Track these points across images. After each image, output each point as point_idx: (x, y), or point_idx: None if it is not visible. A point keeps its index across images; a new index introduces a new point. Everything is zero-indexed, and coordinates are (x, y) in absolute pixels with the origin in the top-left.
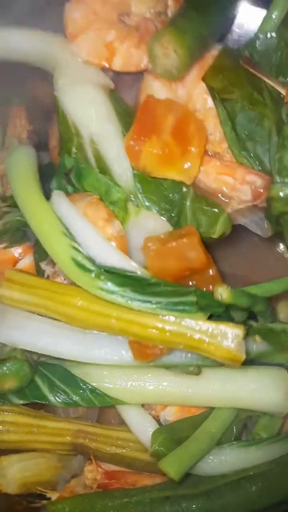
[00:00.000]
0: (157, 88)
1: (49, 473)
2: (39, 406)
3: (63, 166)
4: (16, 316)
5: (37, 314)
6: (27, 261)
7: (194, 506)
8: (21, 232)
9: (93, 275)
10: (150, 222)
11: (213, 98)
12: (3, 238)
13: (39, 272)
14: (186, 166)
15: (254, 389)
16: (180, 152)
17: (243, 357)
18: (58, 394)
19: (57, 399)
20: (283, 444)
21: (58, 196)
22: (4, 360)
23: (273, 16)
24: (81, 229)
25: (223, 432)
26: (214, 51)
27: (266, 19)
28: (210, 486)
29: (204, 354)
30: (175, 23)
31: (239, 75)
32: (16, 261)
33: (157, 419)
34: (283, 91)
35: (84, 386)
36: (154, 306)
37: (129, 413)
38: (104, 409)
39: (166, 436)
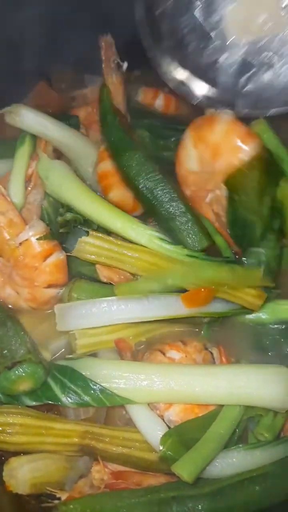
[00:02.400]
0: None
1: (58, 474)
2: (47, 408)
3: None
4: (80, 306)
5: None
6: (55, 258)
7: (200, 506)
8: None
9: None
10: None
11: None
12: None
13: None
14: None
15: (258, 386)
16: None
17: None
18: (70, 394)
19: (69, 399)
20: (286, 446)
21: None
22: (19, 362)
23: None
24: None
25: (231, 434)
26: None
27: None
28: (216, 486)
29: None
30: None
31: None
32: (46, 256)
33: (161, 418)
34: None
35: (94, 387)
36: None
37: (137, 414)
38: (110, 411)
39: (174, 439)
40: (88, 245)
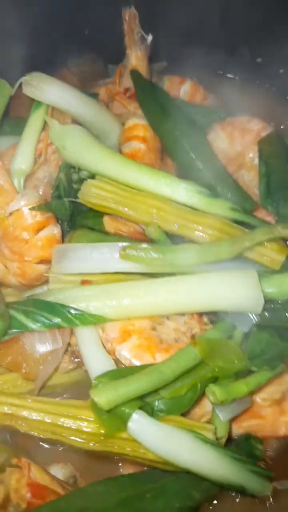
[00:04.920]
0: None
1: None
2: None
3: None
4: (79, 251)
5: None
6: (49, 231)
7: None
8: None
9: None
10: None
11: (260, 158)
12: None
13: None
14: None
15: (229, 288)
16: None
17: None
18: (37, 318)
19: (37, 324)
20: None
21: None
22: None
23: None
24: None
25: (176, 374)
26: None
27: None
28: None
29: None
30: None
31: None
32: (39, 228)
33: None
34: None
35: (63, 310)
36: None
37: (88, 353)
38: None
39: (106, 382)
40: (95, 188)
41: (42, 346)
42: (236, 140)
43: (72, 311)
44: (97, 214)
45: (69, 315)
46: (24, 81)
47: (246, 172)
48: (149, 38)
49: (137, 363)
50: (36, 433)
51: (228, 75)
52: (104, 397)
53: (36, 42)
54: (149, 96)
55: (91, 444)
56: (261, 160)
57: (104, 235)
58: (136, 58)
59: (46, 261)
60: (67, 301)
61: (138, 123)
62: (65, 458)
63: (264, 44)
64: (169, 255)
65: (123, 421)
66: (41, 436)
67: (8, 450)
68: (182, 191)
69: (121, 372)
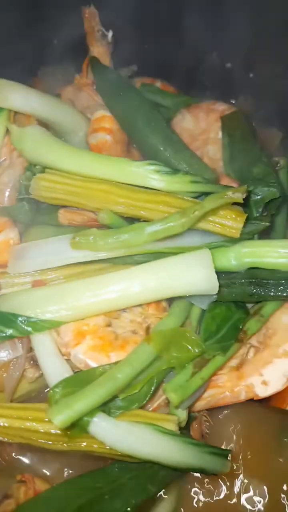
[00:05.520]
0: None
1: None
2: None
3: None
4: (33, 248)
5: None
6: (4, 236)
7: None
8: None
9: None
10: None
11: (223, 131)
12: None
13: None
14: None
15: (183, 273)
16: None
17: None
18: None
19: None
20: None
21: None
22: None
23: None
24: None
25: (131, 378)
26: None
27: None
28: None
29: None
30: None
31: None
32: None
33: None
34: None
35: (14, 319)
36: None
37: (43, 360)
38: None
39: (62, 392)
40: (44, 181)
41: (2, 354)
42: (201, 120)
43: (24, 319)
44: (53, 209)
45: (21, 324)
46: None
47: (211, 146)
48: (110, 34)
49: (93, 365)
50: (6, 439)
51: None
52: (59, 418)
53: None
54: (106, 80)
55: (59, 445)
56: (224, 133)
57: (60, 229)
58: (98, 54)
59: (2, 266)
60: (20, 307)
61: (105, 115)
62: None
63: None
64: (119, 236)
65: (83, 428)
66: (11, 441)
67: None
68: (139, 172)
69: (77, 378)
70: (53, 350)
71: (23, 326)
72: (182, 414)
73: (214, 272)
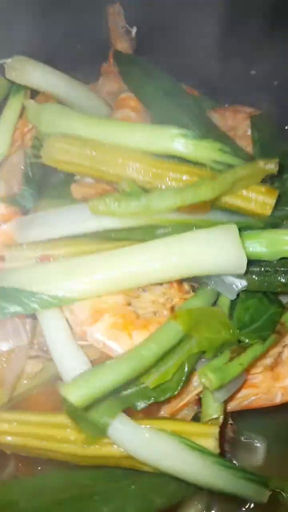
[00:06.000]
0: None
1: None
2: None
3: None
4: (46, 216)
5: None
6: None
7: None
8: None
9: None
10: None
11: (252, 128)
12: None
13: None
14: None
15: (207, 248)
16: None
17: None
18: None
19: None
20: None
21: None
22: None
23: None
24: None
25: (157, 357)
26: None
27: None
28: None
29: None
30: None
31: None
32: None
33: (84, 337)
34: None
35: (18, 294)
36: None
37: (56, 346)
38: None
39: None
40: (59, 143)
41: (5, 344)
42: (229, 118)
43: (30, 295)
44: (64, 183)
45: (26, 300)
46: (7, 65)
47: (239, 141)
48: (134, 30)
49: (112, 345)
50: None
51: None
52: (76, 393)
53: None
54: (130, 66)
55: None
56: (254, 129)
57: (72, 201)
58: (121, 49)
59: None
60: (26, 282)
61: (131, 96)
62: None
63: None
64: (143, 200)
65: (102, 429)
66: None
67: None
68: (165, 136)
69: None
70: (65, 332)
71: (28, 303)
72: (218, 407)
73: (242, 248)
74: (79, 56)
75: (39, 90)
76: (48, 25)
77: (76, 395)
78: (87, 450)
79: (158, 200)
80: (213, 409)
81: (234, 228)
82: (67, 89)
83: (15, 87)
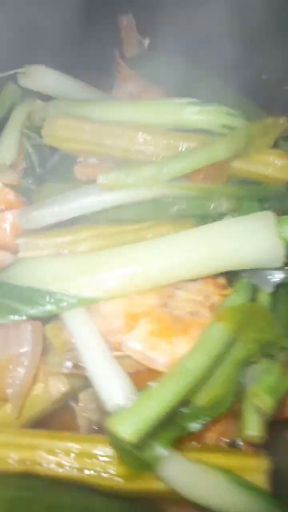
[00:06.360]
0: None
1: None
2: None
3: None
4: (53, 198)
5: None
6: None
7: None
8: None
9: None
10: None
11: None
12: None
13: None
14: None
15: (241, 238)
16: None
17: None
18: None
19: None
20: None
21: None
22: None
23: None
24: None
25: (206, 368)
26: None
27: None
28: None
29: None
30: None
31: None
32: (8, 207)
33: (119, 348)
34: None
35: (35, 294)
36: None
37: (94, 364)
38: None
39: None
40: (61, 119)
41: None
42: None
43: (48, 295)
44: (65, 165)
45: (42, 301)
46: (20, 73)
47: None
48: (146, 42)
49: (152, 355)
50: None
51: None
52: (127, 428)
53: None
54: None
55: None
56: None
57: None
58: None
59: (10, 249)
60: (41, 279)
61: (151, 86)
62: None
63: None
64: (156, 165)
65: (150, 465)
66: None
67: None
68: (173, 106)
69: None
70: (100, 344)
71: (45, 304)
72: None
73: (279, 238)
74: (91, 63)
75: (53, 96)
76: (64, 33)
77: (128, 430)
78: (128, 484)
79: (171, 163)
80: (256, 429)
81: (270, 215)
82: (79, 95)
83: (25, 93)
